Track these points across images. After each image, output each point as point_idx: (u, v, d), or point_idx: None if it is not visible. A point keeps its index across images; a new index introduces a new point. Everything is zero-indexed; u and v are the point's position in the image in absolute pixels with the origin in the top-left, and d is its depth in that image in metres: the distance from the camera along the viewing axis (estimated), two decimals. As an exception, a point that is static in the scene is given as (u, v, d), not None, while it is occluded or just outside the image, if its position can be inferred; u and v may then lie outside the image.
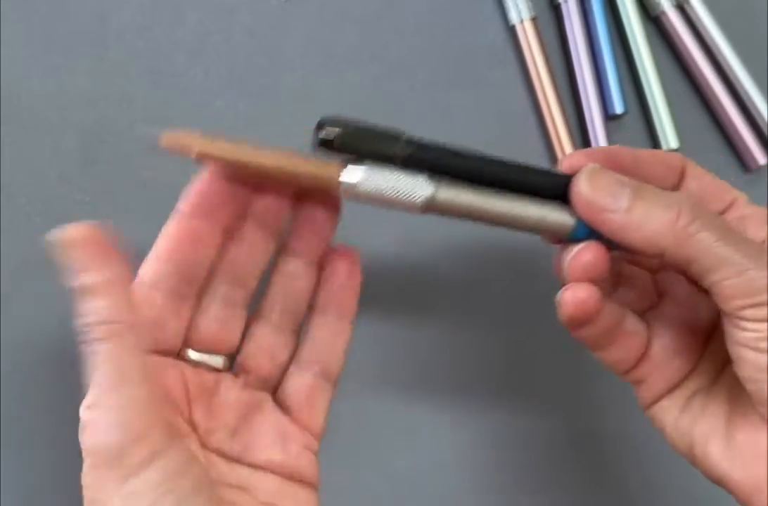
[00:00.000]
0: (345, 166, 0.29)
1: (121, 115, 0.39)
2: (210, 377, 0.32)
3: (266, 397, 0.33)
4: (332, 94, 0.41)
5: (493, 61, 0.42)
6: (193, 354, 0.32)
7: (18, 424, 0.38)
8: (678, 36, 0.43)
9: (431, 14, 0.42)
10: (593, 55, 0.42)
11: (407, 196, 0.29)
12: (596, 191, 0.29)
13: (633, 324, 0.33)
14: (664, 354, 0.33)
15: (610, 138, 0.42)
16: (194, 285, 0.31)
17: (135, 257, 0.30)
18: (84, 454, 0.27)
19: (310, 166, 0.29)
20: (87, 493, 0.27)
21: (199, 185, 0.30)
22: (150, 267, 0.30)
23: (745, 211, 0.32)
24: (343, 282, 0.33)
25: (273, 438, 0.32)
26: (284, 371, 0.33)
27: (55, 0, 0.39)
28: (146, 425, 0.27)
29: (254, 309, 0.33)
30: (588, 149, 0.32)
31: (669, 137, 0.42)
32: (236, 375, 0.33)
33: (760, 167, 0.43)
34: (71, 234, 0.27)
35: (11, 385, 0.38)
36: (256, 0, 0.41)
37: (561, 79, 0.42)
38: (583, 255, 0.30)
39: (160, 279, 0.30)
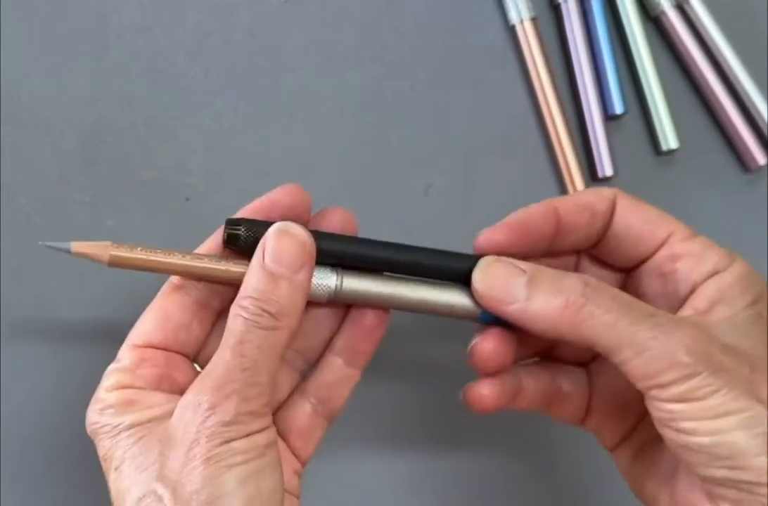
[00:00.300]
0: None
1: (121, 115, 0.39)
2: None
3: None
4: (332, 94, 0.41)
5: (493, 61, 0.42)
6: (197, 368, 0.32)
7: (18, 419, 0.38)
8: (678, 36, 0.43)
9: (431, 14, 0.42)
10: (593, 55, 0.42)
11: (312, 287, 0.30)
12: (491, 286, 0.30)
13: (569, 384, 0.33)
14: (606, 407, 0.33)
15: (610, 138, 0.42)
16: (219, 299, 0.32)
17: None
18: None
19: (219, 265, 0.30)
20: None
21: (254, 206, 0.31)
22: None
23: (679, 249, 0.31)
24: (368, 331, 0.33)
25: None
26: (282, 402, 0.33)
27: (55, 0, 0.39)
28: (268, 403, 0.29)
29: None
30: (503, 223, 0.31)
31: (669, 137, 0.42)
32: None
33: (760, 167, 0.43)
34: (304, 235, 0.29)
35: (10, 376, 0.38)
36: (256, 0, 0.41)
37: (561, 79, 0.42)
38: (484, 346, 0.31)
39: (191, 286, 0.31)
